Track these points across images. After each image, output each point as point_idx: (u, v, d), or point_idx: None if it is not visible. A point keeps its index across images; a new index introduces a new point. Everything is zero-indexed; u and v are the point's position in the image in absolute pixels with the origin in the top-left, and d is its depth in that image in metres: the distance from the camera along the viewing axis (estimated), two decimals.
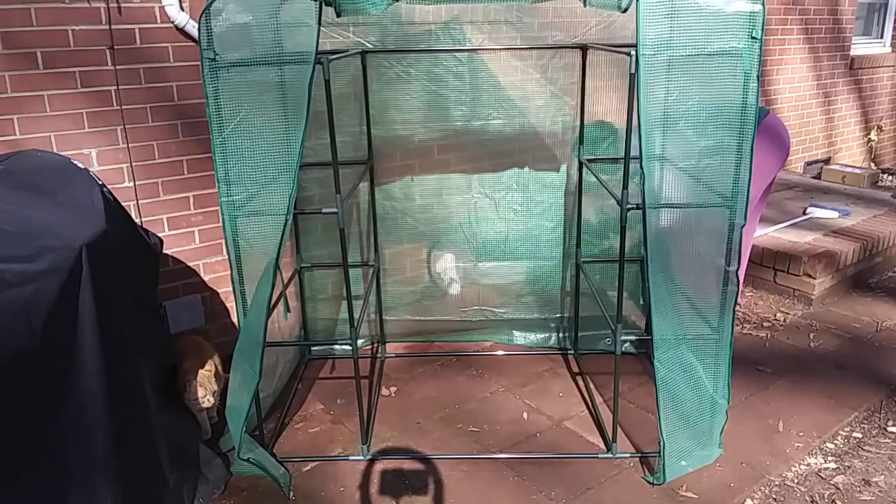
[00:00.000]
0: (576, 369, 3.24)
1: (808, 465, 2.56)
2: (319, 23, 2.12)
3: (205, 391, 2.59)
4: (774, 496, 2.40)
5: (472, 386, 3.11)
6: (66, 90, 2.64)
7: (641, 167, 2.09)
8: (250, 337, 2.27)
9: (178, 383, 2.63)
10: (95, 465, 1.92)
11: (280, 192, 2.14)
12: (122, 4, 2.68)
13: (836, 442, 2.69)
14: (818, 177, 5.75)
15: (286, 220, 2.14)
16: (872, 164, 6.80)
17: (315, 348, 3.42)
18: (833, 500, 2.37)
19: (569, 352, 3.40)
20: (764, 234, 4.12)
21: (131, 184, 2.86)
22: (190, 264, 3.08)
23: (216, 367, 2.72)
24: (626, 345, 3.36)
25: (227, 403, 2.43)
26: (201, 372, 2.61)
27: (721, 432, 2.52)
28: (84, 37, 2.63)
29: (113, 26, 2.68)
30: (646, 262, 2.22)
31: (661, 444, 2.36)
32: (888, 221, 4.32)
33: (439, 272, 3.51)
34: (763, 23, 2.03)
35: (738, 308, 3.79)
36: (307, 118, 2.07)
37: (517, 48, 3.17)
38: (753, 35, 2.03)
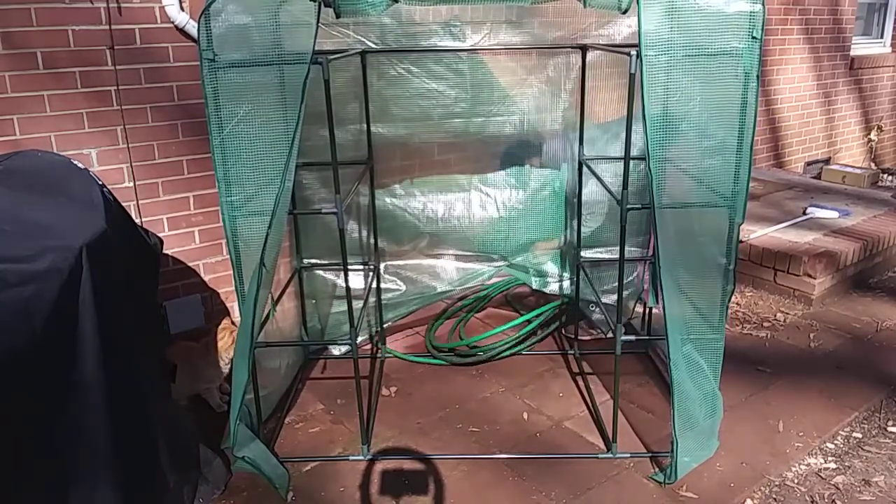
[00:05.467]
0: (576, 369, 3.24)
1: (808, 465, 2.56)
2: (318, 23, 2.12)
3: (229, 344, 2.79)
4: (774, 496, 2.40)
5: (472, 386, 3.11)
6: (66, 90, 2.64)
7: (649, 168, 2.09)
8: (243, 336, 2.29)
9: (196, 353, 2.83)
10: (95, 465, 1.92)
11: (282, 194, 2.15)
12: (123, 4, 2.68)
13: (836, 442, 2.69)
14: (818, 177, 5.76)
15: (272, 219, 2.14)
16: (872, 164, 6.80)
17: (315, 348, 3.42)
18: (833, 500, 2.37)
19: (569, 352, 3.40)
20: (764, 234, 4.12)
21: (131, 184, 2.86)
22: (190, 264, 3.08)
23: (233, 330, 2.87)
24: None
25: (230, 402, 2.44)
26: (228, 328, 2.83)
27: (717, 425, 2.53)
28: (84, 37, 2.63)
29: (113, 26, 2.68)
30: (657, 263, 2.22)
31: (674, 444, 2.35)
32: (888, 221, 4.32)
33: (439, 272, 3.51)
34: (763, 23, 2.03)
35: (738, 308, 3.80)
36: (299, 117, 2.07)
37: (517, 48, 3.16)
38: (754, 35, 2.03)
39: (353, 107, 3.08)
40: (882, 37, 6.70)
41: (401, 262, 3.47)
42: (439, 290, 3.48)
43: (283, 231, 2.36)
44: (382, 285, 3.42)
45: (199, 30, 2.06)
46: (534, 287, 3.49)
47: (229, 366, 2.81)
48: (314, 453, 2.64)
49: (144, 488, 2.11)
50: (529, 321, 3.41)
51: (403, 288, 3.47)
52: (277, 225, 2.18)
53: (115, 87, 2.74)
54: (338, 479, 2.50)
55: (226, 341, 2.79)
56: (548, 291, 3.49)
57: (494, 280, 3.53)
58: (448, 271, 3.51)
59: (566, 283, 3.47)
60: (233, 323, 2.84)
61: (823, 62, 5.89)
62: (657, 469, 2.50)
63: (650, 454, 2.58)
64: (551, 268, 3.48)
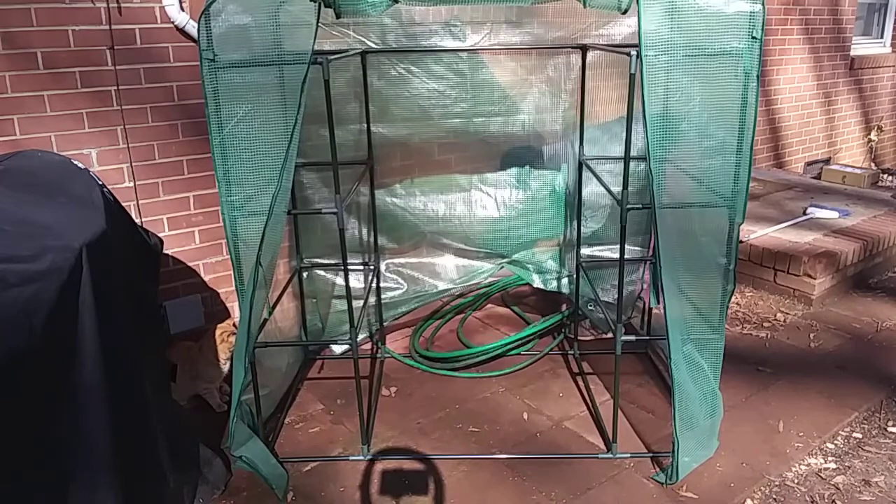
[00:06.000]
0: (576, 369, 3.24)
1: (808, 465, 2.56)
2: (318, 23, 2.12)
3: (227, 346, 2.80)
4: (774, 496, 2.40)
5: (472, 386, 3.11)
6: (67, 90, 2.64)
7: (649, 168, 2.10)
8: (242, 335, 2.29)
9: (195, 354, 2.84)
10: (96, 465, 1.92)
11: (279, 192, 2.15)
12: (123, 5, 2.68)
13: (836, 442, 2.69)
14: (818, 177, 5.75)
15: (268, 219, 2.14)
16: (872, 165, 6.80)
17: (315, 348, 3.42)
18: (833, 501, 2.37)
19: (569, 352, 3.40)
20: (764, 234, 4.12)
21: (131, 184, 2.86)
22: (190, 264, 3.08)
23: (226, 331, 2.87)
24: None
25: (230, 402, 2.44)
26: (221, 328, 2.84)
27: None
28: (84, 37, 2.63)
29: (113, 26, 2.68)
30: (658, 263, 2.22)
31: (675, 444, 2.35)
32: (888, 221, 4.32)
33: (440, 272, 3.51)
34: (763, 23, 2.03)
35: (738, 308, 3.80)
36: (297, 117, 2.07)
37: (517, 48, 3.17)
38: (754, 35, 2.03)
39: (354, 107, 3.08)
40: (882, 37, 6.70)
41: (401, 260, 3.47)
42: (440, 288, 3.48)
43: (281, 231, 2.36)
44: (383, 284, 3.42)
45: (199, 30, 2.06)
46: (535, 285, 3.49)
47: (228, 365, 2.82)
48: (314, 453, 2.64)
49: (145, 488, 2.11)
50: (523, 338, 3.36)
51: (404, 287, 3.48)
52: (275, 224, 2.19)
53: (116, 88, 2.74)
54: (338, 480, 2.50)
55: (224, 341, 2.79)
56: (548, 289, 3.49)
57: (493, 279, 3.53)
58: (448, 269, 3.51)
59: (565, 281, 3.46)
60: (234, 325, 2.84)
61: (823, 62, 5.89)
62: (658, 469, 2.50)
63: (650, 454, 2.58)
64: (552, 265, 3.47)
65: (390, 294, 3.46)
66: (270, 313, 2.77)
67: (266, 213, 2.16)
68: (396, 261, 3.46)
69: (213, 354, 2.80)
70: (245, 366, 2.32)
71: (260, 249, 2.17)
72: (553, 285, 3.49)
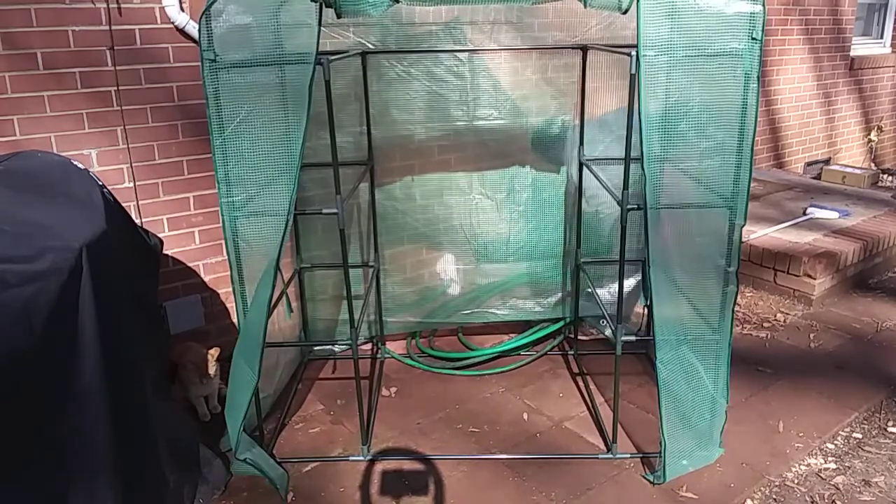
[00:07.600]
0: (576, 370, 3.24)
1: (808, 465, 2.56)
2: (320, 24, 2.12)
3: (213, 364, 2.75)
4: (774, 496, 2.40)
5: (472, 386, 3.11)
6: (67, 90, 2.64)
7: (643, 168, 2.09)
8: (250, 338, 2.27)
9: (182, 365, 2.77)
10: (96, 465, 1.92)
11: (280, 193, 2.15)
12: (123, 5, 2.68)
13: (836, 442, 2.69)
14: (818, 177, 5.76)
15: (287, 221, 2.15)
16: (872, 165, 6.80)
17: (315, 349, 3.42)
18: (833, 501, 2.37)
19: (569, 352, 3.40)
20: (764, 235, 4.12)
21: (131, 184, 2.86)
22: (190, 265, 3.08)
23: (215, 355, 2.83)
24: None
25: (226, 403, 2.43)
26: (210, 352, 2.78)
27: (721, 432, 2.52)
28: (84, 37, 2.63)
29: (113, 27, 2.68)
30: (647, 262, 2.23)
31: (662, 443, 2.36)
32: (888, 222, 4.32)
33: (439, 273, 3.51)
34: (763, 24, 2.03)
35: (738, 308, 3.80)
36: (308, 119, 2.07)
37: (518, 48, 3.17)
38: (754, 36, 2.04)
39: (353, 108, 3.08)
40: (882, 37, 6.70)
41: (399, 278, 3.47)
42: (438, 319, 3.50)
43: (288, 232, 2.36)
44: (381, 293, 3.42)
45: (199, 30, 2.06)
46: (535, 285, 3.49)
47: (209, 386, 2.81)
48: (314, 454, 2.64)
49: (144, 488, 2.11)
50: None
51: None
52: (285, 227, 2.18)
53: (116, 88, 2.74)
54: (338, 480, 2.50)
55: (212, 362, 2.78)
56: (551, 317, 3.49)
57: (490, 280, 3.52)
58: (448, 295, 3.50)
59: (569, 300, 3.46)
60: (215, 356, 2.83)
61: (823, 62, 5.89)
62: (650, 469, 2.50)
63: (650, 454, 2.58)
64: (552, 288, 3.47)
65: (390, 296, 3.46)
66: (290, 309, 2.75)
67: (266, 213, 2.17)
68: (394, 279, 3.47)
69: (201, 371, 2.77)
70: (259, 369, 2.29)
71: (279, 252, 2.16)
72: (554, 286, 3.49)
